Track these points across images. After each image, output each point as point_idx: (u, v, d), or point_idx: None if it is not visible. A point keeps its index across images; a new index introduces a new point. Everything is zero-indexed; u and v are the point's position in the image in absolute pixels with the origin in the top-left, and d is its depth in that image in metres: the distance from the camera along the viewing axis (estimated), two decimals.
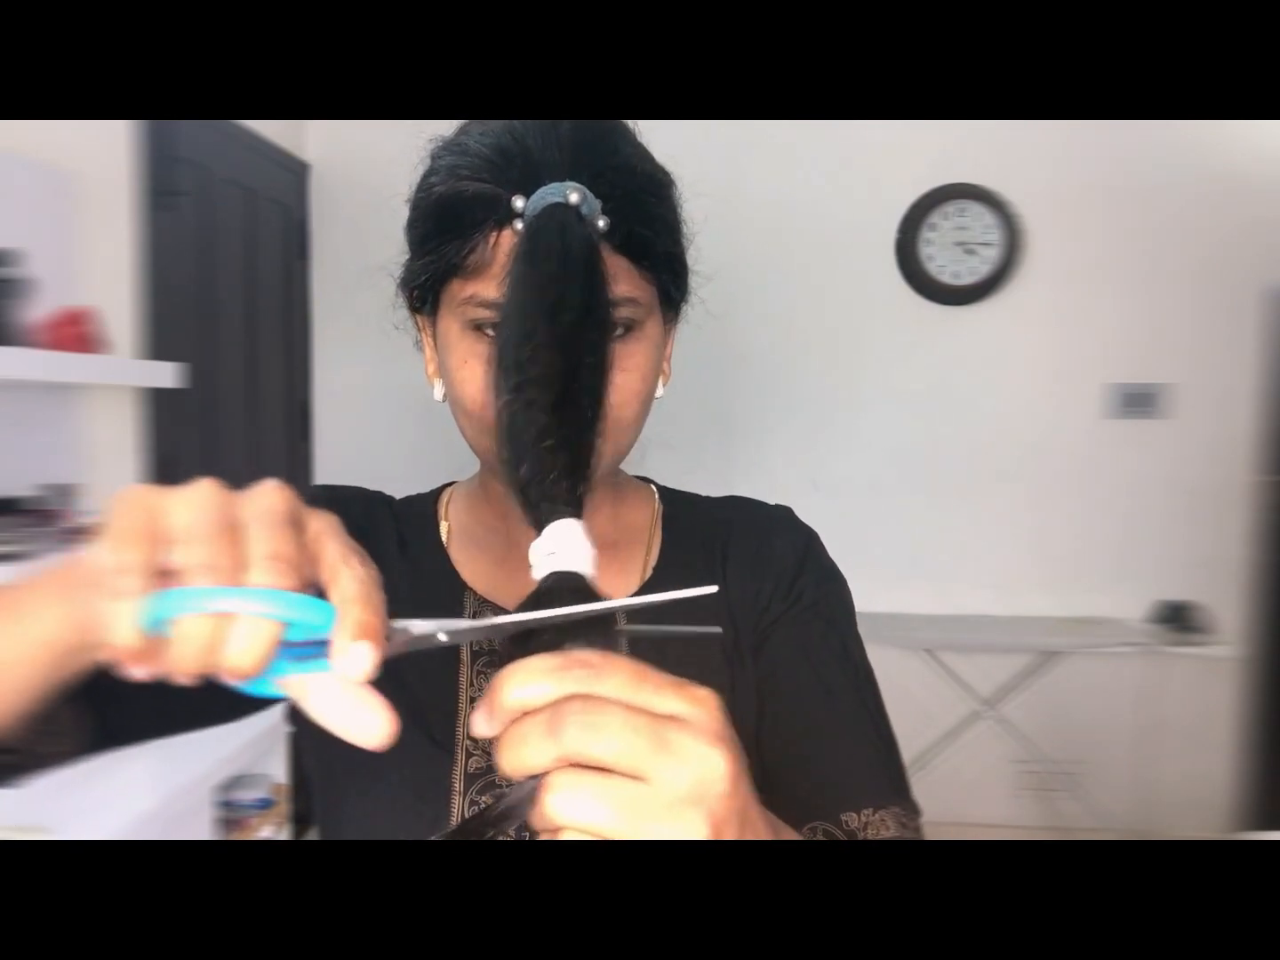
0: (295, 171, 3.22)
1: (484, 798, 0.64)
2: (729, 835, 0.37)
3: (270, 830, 2.16)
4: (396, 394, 3.02)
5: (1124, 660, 3.11)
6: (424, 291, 0.64)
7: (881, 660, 0.73)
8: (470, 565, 0.72)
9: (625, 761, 0.34)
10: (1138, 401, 3.13)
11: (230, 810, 2.08)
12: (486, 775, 0.64)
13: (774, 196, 3.17)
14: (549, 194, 0.54)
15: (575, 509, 0.45)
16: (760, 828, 0.40)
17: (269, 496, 0.39)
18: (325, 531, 0.39)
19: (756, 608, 0.70)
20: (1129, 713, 3.18)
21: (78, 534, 1.87)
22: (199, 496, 0.39)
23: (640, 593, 0.70)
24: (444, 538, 0.73)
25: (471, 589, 0.70)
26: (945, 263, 3.18)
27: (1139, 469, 3.14)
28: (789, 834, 0.48)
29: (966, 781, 3.23)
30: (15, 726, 0.49)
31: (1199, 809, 3.11)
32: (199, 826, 1.78)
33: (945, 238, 3.17)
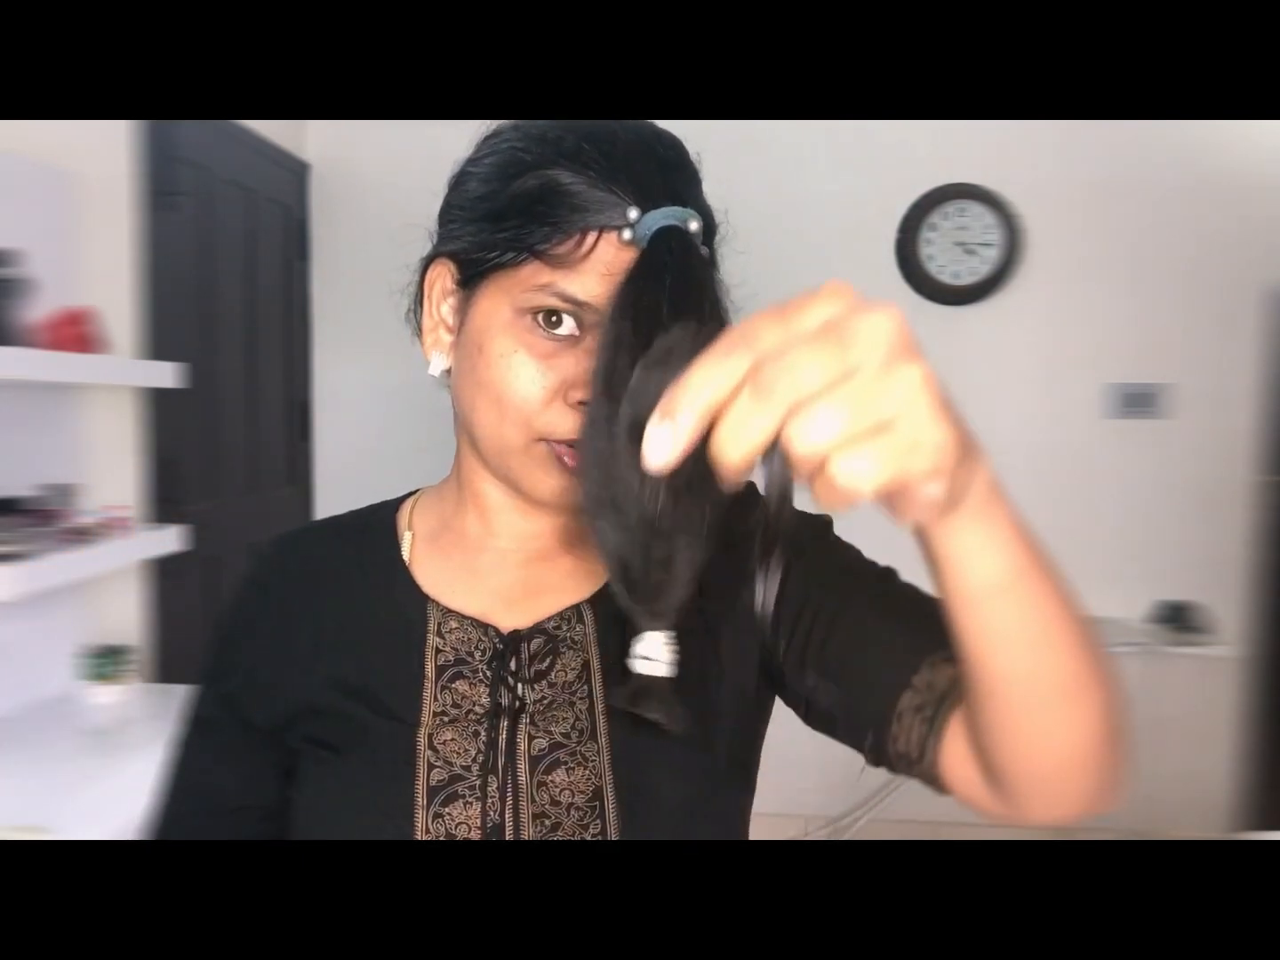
0: (295, 171, 3.22)
1: (447, 809, 0.63)
2: (931, 372, 0.37)
3: None
4: (396, 394, 3.02)
5: (1124, 660, 3.11)
6: (479, 265, 0.62)
7: None
8: (434, 575, 0.70)
9: (831, 372, 0.35)
10: (1138, 401, 3.13)
11: None
12: (449, 787, 0.63)
13: (774, 197, 3.17)
14: (670, 216, 0.57)
15: (670, 620, 0.52)
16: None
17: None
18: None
19: (744, 582, 0.69)
20: (1129, 713, 3.17)
21: (78, 534, 1.87)
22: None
23: (604, 588, 0.69)
24: (405, 551, 0.72)
25: (435, 601, 0.69)
26: (945, 263, 3.17)
27: (1139, 469, 3.14)
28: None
29: None
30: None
31: (1199, 809, 3.11)
32: None
33: (945, 238, 3.17)
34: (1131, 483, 3.15)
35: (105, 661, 1.82)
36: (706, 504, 0.51)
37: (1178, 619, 3.08)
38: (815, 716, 0.69)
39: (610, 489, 0.51)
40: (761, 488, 0.41)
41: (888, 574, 0.70)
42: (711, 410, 0.37)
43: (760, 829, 0.71)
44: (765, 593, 0.69)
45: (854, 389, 0.36)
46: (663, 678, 0.53)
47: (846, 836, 3.03)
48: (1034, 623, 0.49)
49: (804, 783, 2.89)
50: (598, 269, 0.58)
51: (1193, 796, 3.12)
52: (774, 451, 0.38)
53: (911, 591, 0.68)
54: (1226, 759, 3.15)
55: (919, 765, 0.62)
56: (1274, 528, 3.04)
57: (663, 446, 0.38)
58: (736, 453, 0.36)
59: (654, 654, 0.53)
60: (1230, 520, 3.10)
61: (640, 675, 0.53)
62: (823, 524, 0.73)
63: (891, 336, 0.36)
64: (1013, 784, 0.56)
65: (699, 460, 0.49)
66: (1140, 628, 3.11)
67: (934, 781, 0.63)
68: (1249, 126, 3.02)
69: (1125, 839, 0.53)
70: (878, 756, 0.65)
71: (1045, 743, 0.53)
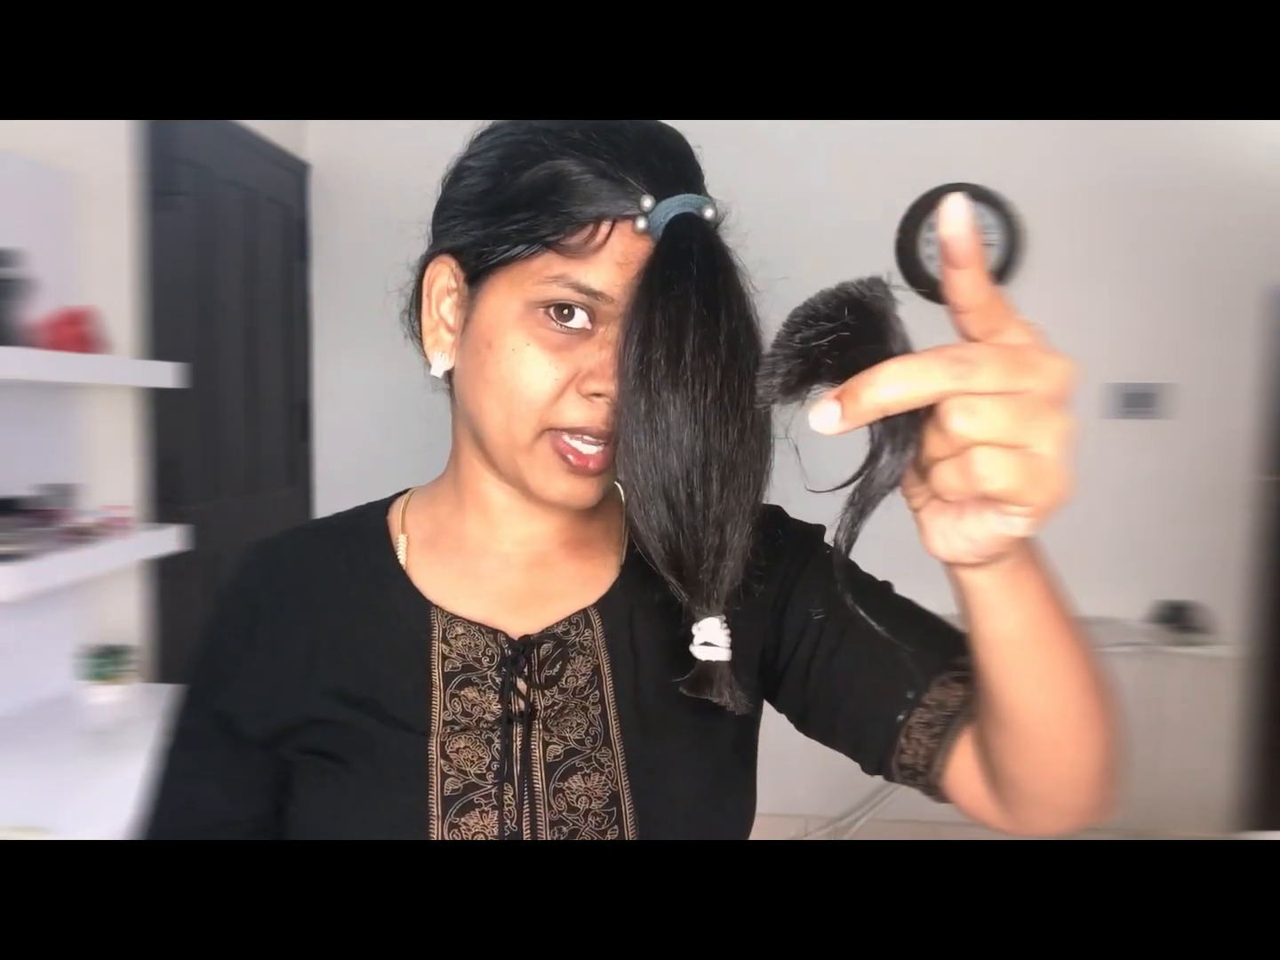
0: (295, 171, 3.22)
1: (463, 819, 0.62)
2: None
3: None
4: (396, 394, 3.01)
5: (1124, 660, 3.10)
6: (486, 260, 0.61)
7: None
8: (434, 580, 0.69)
9: (1006, 382, 0.38)
10: (1138, 401, 3.13)
11: None
12: (464, 796, 0.62)
13: (774, 196, 3.17)
14: (686, 204, 0.56)
15: (723, 605, 0.55)
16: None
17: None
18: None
19: (756, 579, 0.68)
20: (1129, 713, 3.17)
21: (78, 534, 1.87)
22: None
23: (610, 591, 0.70)
24: (401, 555, 0.70)
25: (438, 607, 0.67)
26: None
27: (1139, 469, 3.14)
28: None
29: None
30: None
31: (1199, 809, 3.11)
32: None
33: None
34: (1131, 483, 3.15)
35: (105, 661, 1.82)
36: (753, 490, 0.53)
37: (1178, 619, 3.08)
38: (812, 725, 0.69)
39: (659, 482, 0.52)
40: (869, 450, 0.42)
41: (886, 588, 0.70)
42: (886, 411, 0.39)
43: (760, 829, 0.71)
44: (776, 594, 0.69)
45: (1018, 403, 0.38)
46: (724, 662, 0.56)
47: (846, 836, 3.03)
48: (1048, 668, 0.52)
49: (804, 783, 2.88)
50: (613, 258, 0.58)
51: (1193, 796, 3.12)
52: (902, 423, 0.40)
53: (911, 606, 0.68)
54: (1226, 759, 3.15)
55: (923, 777, 0.63)
56: (1274, 528, 3.04)
57: (831, 421, 0.40)
58: (877, 398, 0.38)
59: (713, 639, 0.56)
60: (1230, 520, 3.10)
61: (703, 662, 0.56)
62: (819, 533, 0.73)
63: (1066, 383, 0.39)
64: (1016, 799, 0.58)
65: (747, 448, 0.50)
66: (1140, 628, 3.11)
67: (935, 792, 0.64)
68: (1249, 126, 3.02)
69: (1125, 839, 0.53)
70: (879, 767, 0.65)
71: (1051, 767, 0.56)
